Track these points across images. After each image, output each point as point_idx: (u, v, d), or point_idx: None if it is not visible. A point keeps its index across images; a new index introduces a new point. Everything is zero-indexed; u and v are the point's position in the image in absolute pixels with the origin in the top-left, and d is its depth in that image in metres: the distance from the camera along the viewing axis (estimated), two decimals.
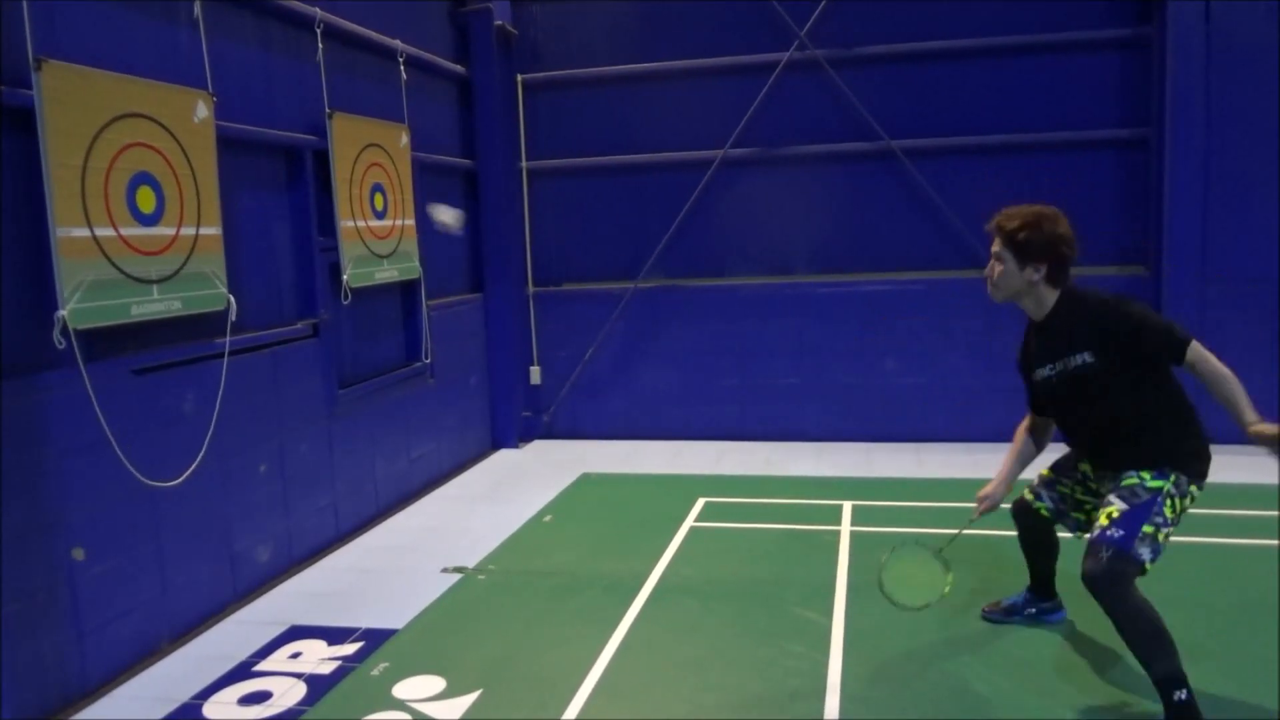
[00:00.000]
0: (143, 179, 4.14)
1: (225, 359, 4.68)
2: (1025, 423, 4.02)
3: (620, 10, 8.05)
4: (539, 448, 8.22)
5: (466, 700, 3.73)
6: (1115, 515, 3.33)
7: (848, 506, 5.98)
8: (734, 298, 8.05)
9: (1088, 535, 3.45)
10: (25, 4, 3.62)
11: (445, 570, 5.21)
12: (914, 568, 3.86)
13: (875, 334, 7.82)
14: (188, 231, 4.40)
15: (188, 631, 4.49)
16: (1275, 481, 5.59)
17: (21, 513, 3.61)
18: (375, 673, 4.00)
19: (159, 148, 4.23)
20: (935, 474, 6.84)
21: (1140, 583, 3.27)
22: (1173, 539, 3.39)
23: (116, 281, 3.98)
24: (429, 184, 7.10)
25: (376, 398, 6.26)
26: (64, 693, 3.82)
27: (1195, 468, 3.42)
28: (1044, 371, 3.62)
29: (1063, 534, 4.00)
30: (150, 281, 4.17)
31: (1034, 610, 4.22)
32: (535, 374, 8.46)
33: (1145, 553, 3.26)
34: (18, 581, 3.59)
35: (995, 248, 3.60)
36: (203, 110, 4.50)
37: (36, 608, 3.69)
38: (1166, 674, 3.17)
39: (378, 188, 6.17)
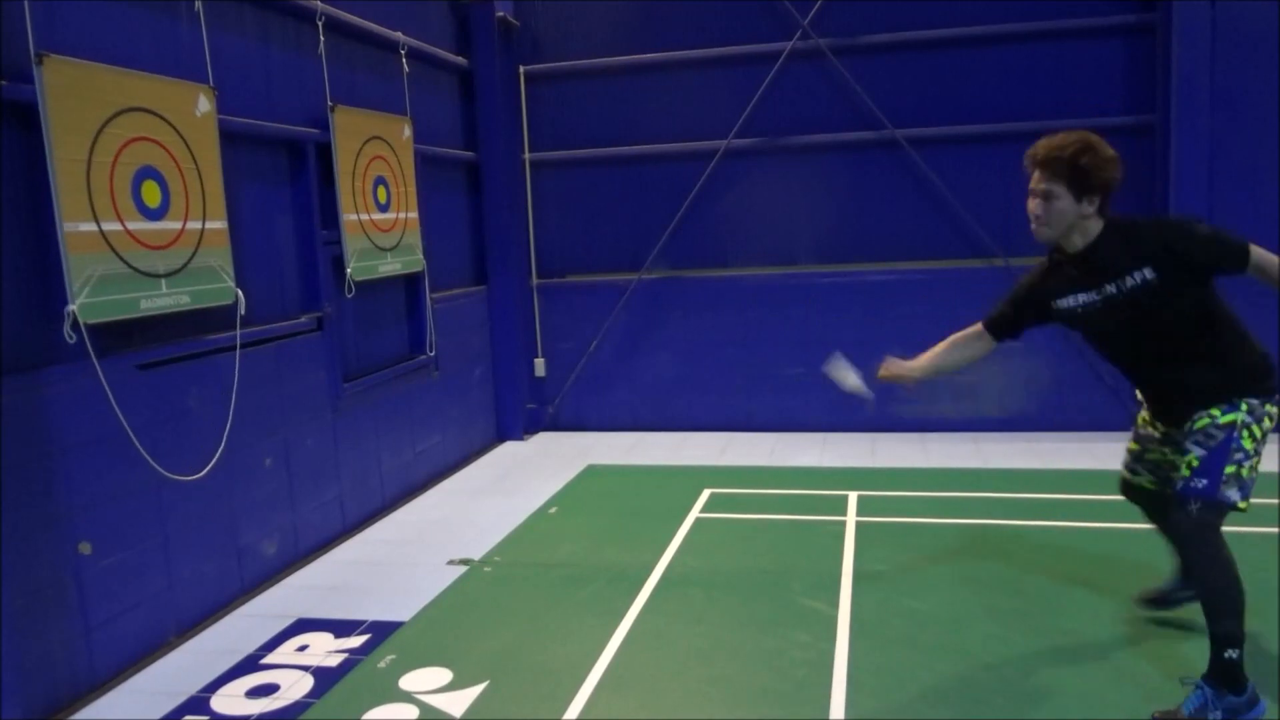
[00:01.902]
0: (147, 173, 4.14)
1: (237, 352, 4.68)
2: (969, 331, 3.89)
3: (622, 1, 8.02)
4: (544, 440, 8.22)
5: (473, 692, 3.73)
6: (1195, 463, 3.21)
7: (853, 497, 5.97)
8: (738, 288, 8.04)
9: (1174, 487, 3.30)
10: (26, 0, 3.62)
11: (451, 562, 5.22)
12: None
13: (880, 324, 7.79)
14: (194, 225, 4.40)
15: (195, 625, 4.51)
16: (1275, 470, 5.58)
17: (28, 507, 3.62)
18: (382, 665, 4.01)
19: (162, 142, 4.23)
20: (940, 464, 6.84)
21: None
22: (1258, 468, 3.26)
23: (124, 276, 3.99)
24: (432, 176, 7.09)
25: (381, 391, 6.27)
26: (71, 686, 3.83)
27: (1264, 385, 3.25)
28: (1080, 298, 3.41)
29: None
30: (158, 275, 4.18)
31: (1189, 595, 3.88)
32: (540, 366, 8.46)
33: (1234, 494, 3.16)
34: (25, 576, 3.60)
35: (1042, 183, 3.33)
36: (205, 104, 4.50)
37: (44, 602, 3.70)
38: (1228, 632, 3.12)
39: (380, 181, 6.16)
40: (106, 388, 3.85)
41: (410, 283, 6.78)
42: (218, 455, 4.58)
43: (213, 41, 4.64)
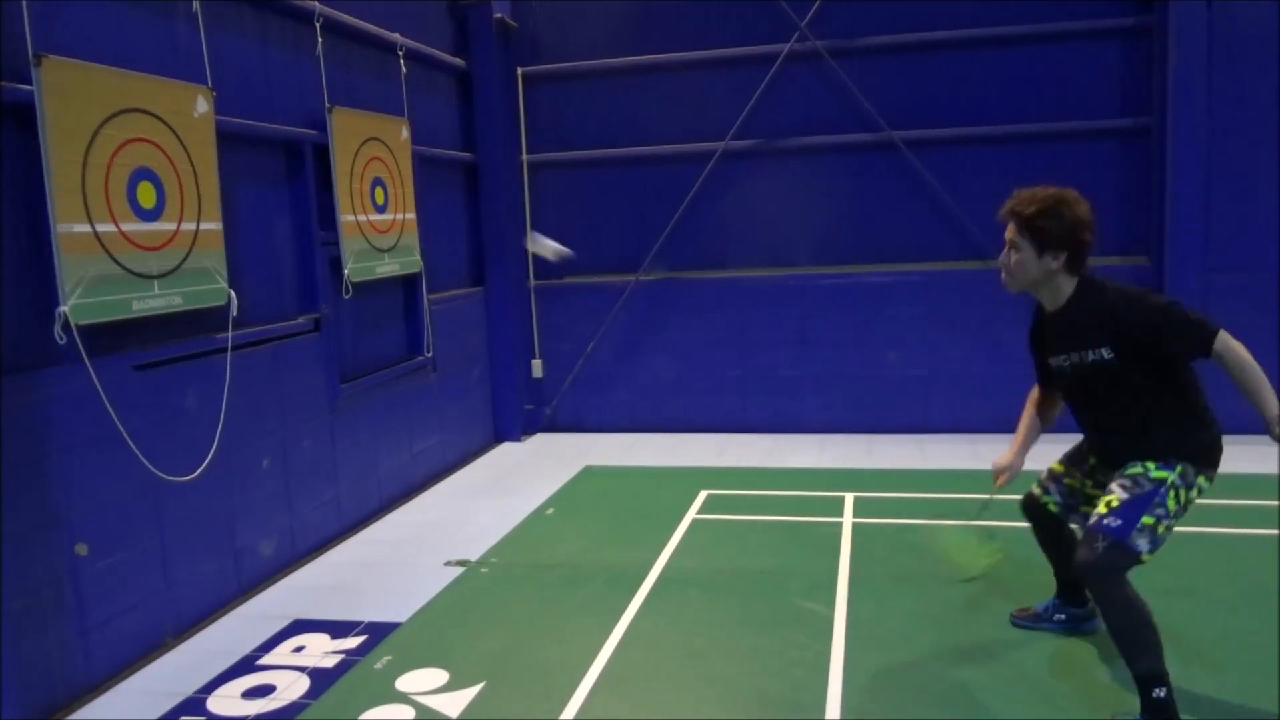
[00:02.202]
0: (143, 174, 4.14)
1: (229, 354, 4.68)
2: (1034, 394, 3.86)
3: (620, 2, 8.03)
4: (541, 441, 8.22)
5: (470, 693, 3.73)
6: (1115, 504, 3.24)
7: (849, 498, 5.98)
8: (735, 290, 8.05)
9: (1087, 522, 3.35)
10: (25, 0, 3.61)
11: (448, 563, 5.22)
12: (953, 549, 3.82)
13: (877, 325, 7.81)
14: (188, 227, 4.40)
15: (192, 626, 4.51)
16: (1275, 471, 5.60)
17: (25, 509, 3.62)
18: (378, 666, 4.01)
19: (159, 143, 4.23)
20: (937, 465, 6.84)
21: (1141, 571, 3.24)
22: (1175, 529, 3.31)
23: (117, 277, 3.98)
24: (429, 178, 7.09)
25: (378, 392, 6.27)
26: (69, 687, 3.83)
27: (1204, 459, 3.28)
28: (1058, 360, 3.46)
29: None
30: (151, 277, 4.18)
31: (1063, 616, 3.99)
32: (537, 367, 8.46)
33: (1143, 544, 3.18)
34: (22, 577, 3.60)
35: (1010, 234, 3.37)
36: (202, 105, 4.50)
37: (41, 603, 3.70)
38: (1148, 670, 3.13)
39: (378, 182, 6.17)
40: (100, 388, 3.84)
41: (408, 284, 6.79)
42: (214, 456, 4.58)
43: (211, 42, 4.64)
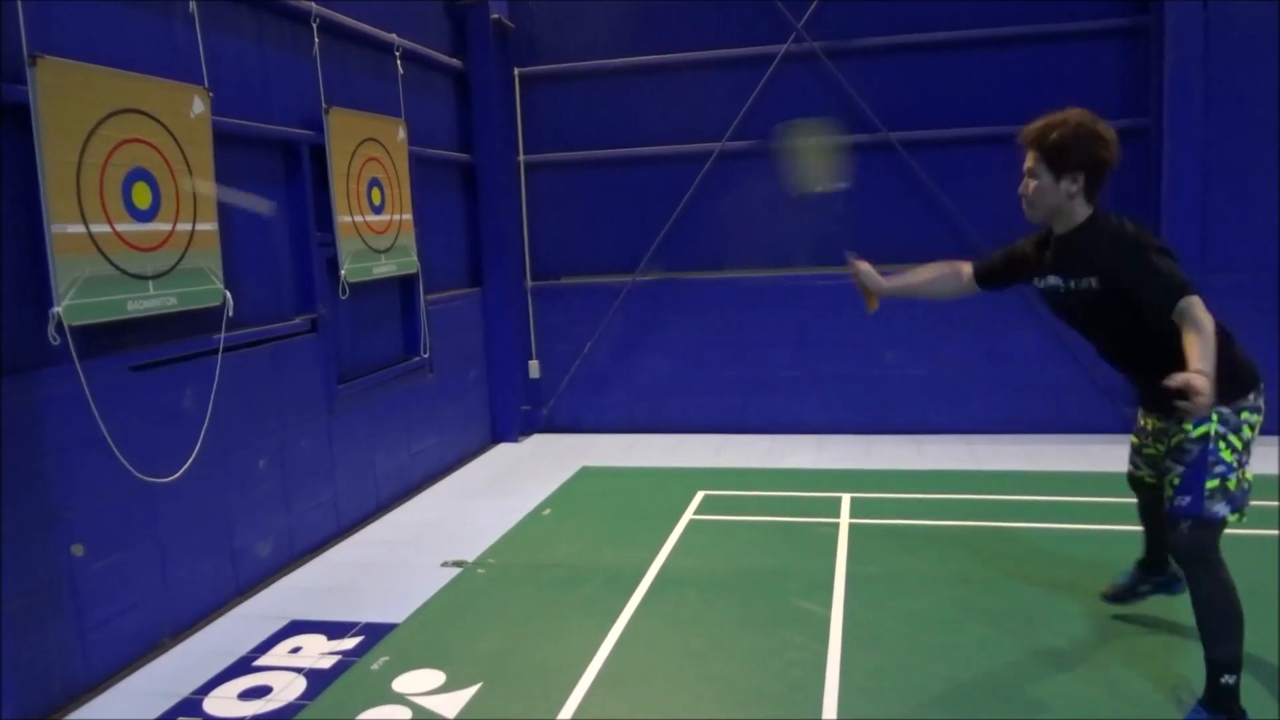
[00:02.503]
0: (138, 175, 4.13)
1: (220, 355, 4.67)
2: (955, 264, 3.83)
3: (617, 3, 8.03)
4: (538, 441, 8.22)
5: (467, 693, 3.73)
6: (1177, 481, 3.18)
7: (847, 499, 5.98)
8: (733, 290, 8.05)
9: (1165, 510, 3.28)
10: (20, 0, 3.61)
11: (445, 564, 5.21)
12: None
13: (874, 326, 7.75)
14: (184, 227, 4.40)
15: (189, 627, 4.50)
16: (1274, 472, 5.60)
17: (21, 510, 3.61)
18: (375, 667, 4.01)
19: (155, 143, 4.23)
20: (935, 465, 6.85)
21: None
22: (1249, 474, 3.19)
23: (112, 278, 3.97)
24: (426, 178, 7.09)
25: (375, 393, 6.26)
26: (66, 688, 3.83)
27: (1236, 390, 3.12)
28: (1052, 280, 3.41)
29: None
30: (146, 278, 4.17)
31: (1147, 587, 4.00)
32: (534, 368, 8.46)
33: (1220, 509, 3.11)
34: (19, 578, 3.59)
35: (1029, 163, 3.31)
36: (199, 105, 4.49)
37: (38, 604, 3.69)
38: (1225, 657, 3.12)
39: (375, 182, 6.16)
40: (86, 390, 3.83)
41: (405, 284, 6.78)
42: (213, 456, 4.58)
43: (207, 43, 4.64)
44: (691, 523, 5.72)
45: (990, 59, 7.43)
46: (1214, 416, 3.13)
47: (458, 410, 7.50)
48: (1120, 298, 3.18)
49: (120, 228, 4.02)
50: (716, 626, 4.26)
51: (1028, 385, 7.55)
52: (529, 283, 8.42)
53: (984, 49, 7.43)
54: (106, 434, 3.94)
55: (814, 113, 7.65)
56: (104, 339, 4.02)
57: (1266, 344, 6.98)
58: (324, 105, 5.63)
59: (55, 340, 3.70)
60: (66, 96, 3.75)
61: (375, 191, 6.16)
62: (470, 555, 5.33)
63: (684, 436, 8.03)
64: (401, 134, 6.54)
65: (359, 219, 5.96)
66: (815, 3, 7.53)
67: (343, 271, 5.75)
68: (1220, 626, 3.12)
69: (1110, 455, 4.13)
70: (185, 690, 3.91)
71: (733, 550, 5.24)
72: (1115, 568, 4.22)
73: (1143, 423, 3.67)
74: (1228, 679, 3.11)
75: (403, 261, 6.51)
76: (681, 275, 8.14)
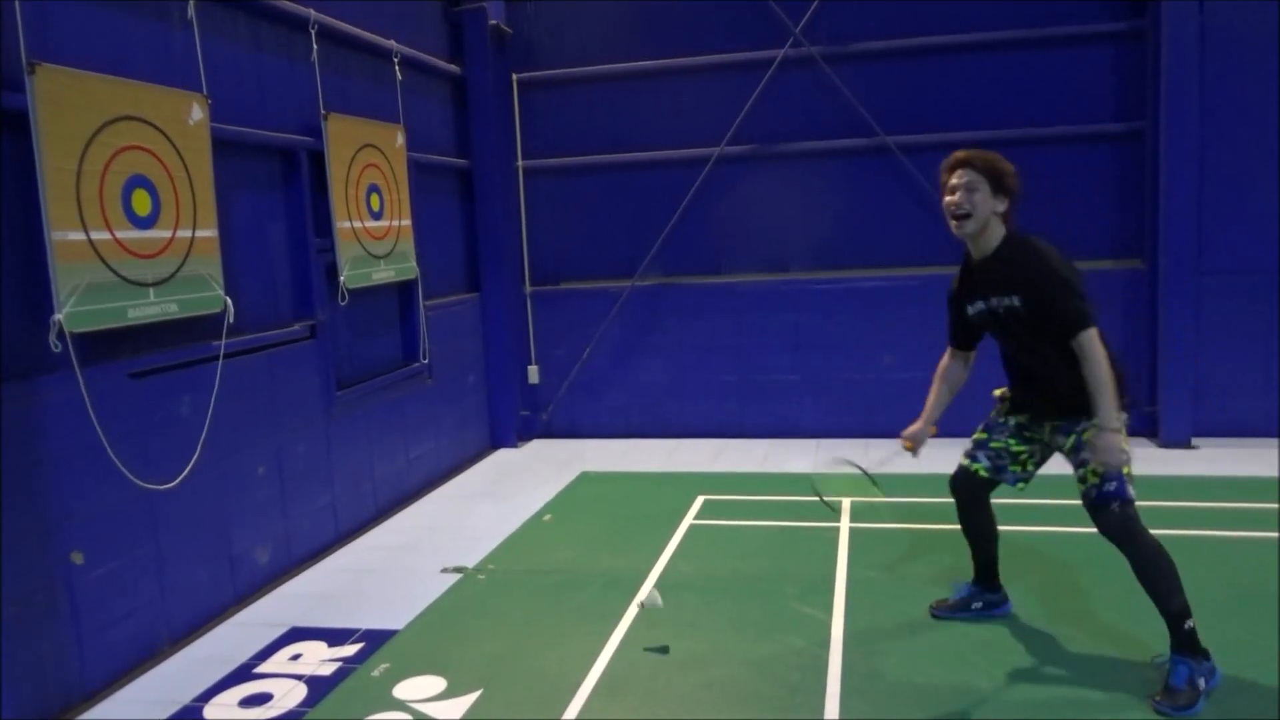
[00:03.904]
0: (138, 182, 4.13)
1: (220, 361, 4.67)
2: (943, 362, 4.18)
3: (615, 8, 8.05)
4: (537, 446, 8.22)
5: (467, 700, 3.73)
6: (1101, 470, 3.48)
7: (846, 502, 5.97)
8: (731, 295, 8.05)
9: (1082, 499, 3.58)
10: (19, 7, 3.61)
11: (445, 570, 5.21)
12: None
13: (872, 330, 7.83)
14: (184, 234, 4.40)
15: (188, 634, 4.50)
16: (1274, 474, 5.61)
17: (20, 516, 3.61)
18: (376, 673, 4.01)
19: (154, 150, 4.23)
20: (932, 470, 6.83)
21: None
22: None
23: (112, 285, 3.98)
24: (425, 184, 7.10)
25: (374, 398, 6.26)
26: (64, 696, 3.82)
27: (1121, 395, 3.52)
28: (977, 307, 3.77)
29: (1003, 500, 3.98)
30: (146, 284, 4.17)
31: (980, 604, 4.24)
32: (533, 373, 8.46)
33: (1133, 491, 3.50)
34: (17, 585, 3.59)
35: (967, 178, 3.60)
36: (197, 112, 4.50)
37: (36, 611, 3.69)
38: (1180, 606, 3.42)
39: (374, 188, 6.17)
40: (86, 396, 3.83)
41: (403, 290, 6.78)
42: (211, 463, 4.58)
43: (206, 49, 4.65)
44: (691, 527, 5.72)
45: (987, 63, 7.45)
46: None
47: (456, 415, 7.50)
48: (1037, 316, 3.54)
49: (120, 235, 4.02)
50: (716, 631, 4.26)
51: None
52: (528, 288, 8.43)
53: (981, 53, 7.45)
54: (105, 441, 3.94)
55: (813, 116, 7.72)
56: (104, 346, 4.02)
57: (1264, 346, 7.01)
58: (322, 111, 5.63)
59: (56, 347, 3.70)
60: (65, 104, 3.75)
61: (374, 197, 6.17)
62: (470, 561, 5.33)
63: (682, 441, 8.04)
64: (400, 140, 6.54)
65: (358, 225, 5.96)
66: (813, 8, 7.55)
67: (342, 277, 5.76)
68: (1167, 582, 3.44)
69: None
70: (185, 697, 3.90)
71: (732, 555, 5.25)
72: (1113, 568, 4.22)
73: (1003, 420, 4.01)
74: (1189, 623, 3.42)
75: (402, 267, 6.51)
76: (680, 280, 8.15)
